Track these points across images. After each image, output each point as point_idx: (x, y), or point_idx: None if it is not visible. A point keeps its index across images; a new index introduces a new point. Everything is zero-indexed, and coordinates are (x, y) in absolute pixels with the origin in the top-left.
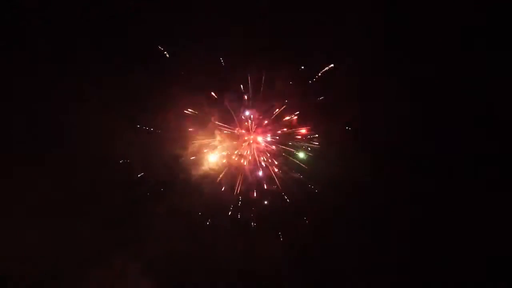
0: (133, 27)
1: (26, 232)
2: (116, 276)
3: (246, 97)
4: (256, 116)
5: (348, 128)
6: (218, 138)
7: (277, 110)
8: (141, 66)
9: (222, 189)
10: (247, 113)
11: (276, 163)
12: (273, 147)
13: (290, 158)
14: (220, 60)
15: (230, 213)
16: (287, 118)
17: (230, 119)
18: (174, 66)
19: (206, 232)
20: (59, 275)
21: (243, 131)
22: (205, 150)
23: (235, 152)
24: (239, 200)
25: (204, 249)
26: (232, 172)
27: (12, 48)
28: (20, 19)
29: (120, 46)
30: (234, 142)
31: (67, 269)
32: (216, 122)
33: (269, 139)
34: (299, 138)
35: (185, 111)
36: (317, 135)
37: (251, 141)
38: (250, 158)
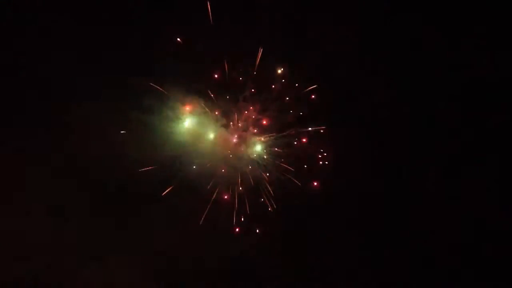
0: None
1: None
2: (115, 277)
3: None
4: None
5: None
6: (215, 136)
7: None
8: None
9: (221, 189)
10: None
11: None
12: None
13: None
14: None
15: (229, 212)
16: None
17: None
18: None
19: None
20: (58, 276)
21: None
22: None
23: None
24: (238, 200)
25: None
26: (230, 172)
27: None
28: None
29: (118, 45)
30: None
31: (66, 269)
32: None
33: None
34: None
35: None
36: None
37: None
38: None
